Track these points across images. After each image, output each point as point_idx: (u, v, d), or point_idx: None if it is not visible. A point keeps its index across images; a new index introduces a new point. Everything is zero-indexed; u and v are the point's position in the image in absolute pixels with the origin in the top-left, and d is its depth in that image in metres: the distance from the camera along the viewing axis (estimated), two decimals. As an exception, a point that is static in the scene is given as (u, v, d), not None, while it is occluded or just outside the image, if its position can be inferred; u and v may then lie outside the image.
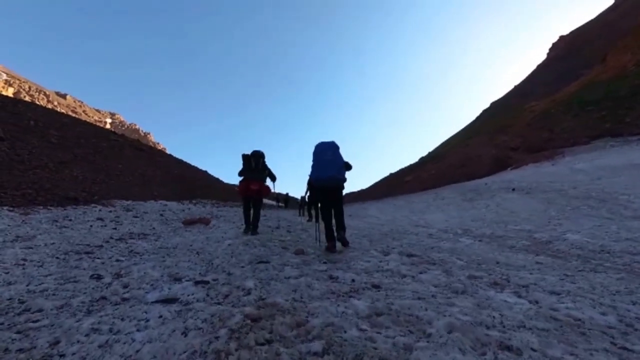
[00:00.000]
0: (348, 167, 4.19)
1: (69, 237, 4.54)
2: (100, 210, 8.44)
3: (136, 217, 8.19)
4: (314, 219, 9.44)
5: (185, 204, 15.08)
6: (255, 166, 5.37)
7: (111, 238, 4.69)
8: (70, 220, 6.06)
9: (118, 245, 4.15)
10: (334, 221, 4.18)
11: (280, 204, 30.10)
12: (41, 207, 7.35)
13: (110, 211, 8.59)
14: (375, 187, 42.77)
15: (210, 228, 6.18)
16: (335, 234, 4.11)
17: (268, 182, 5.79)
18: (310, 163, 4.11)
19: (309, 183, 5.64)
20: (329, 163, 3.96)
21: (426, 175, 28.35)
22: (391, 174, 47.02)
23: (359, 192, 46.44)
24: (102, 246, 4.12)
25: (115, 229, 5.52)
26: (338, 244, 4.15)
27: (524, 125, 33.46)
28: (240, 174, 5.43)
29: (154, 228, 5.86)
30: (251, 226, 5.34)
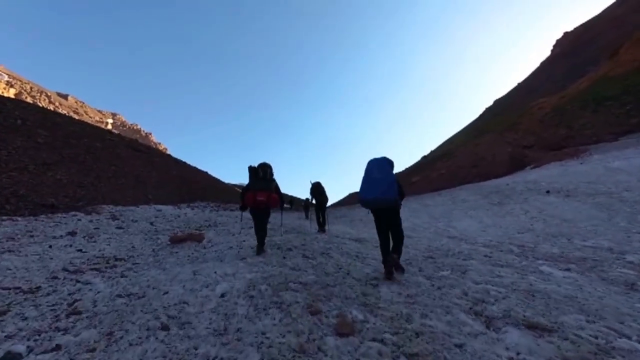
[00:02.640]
0: (400, 190, 3.51)
1: (3, 268, 3.37)
2: (79, 220, 7.26)
3: (120, 228, 7.02)
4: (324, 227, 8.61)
5: (182, 208, 13.92)
6: (262, 175, 4.85)
7: (64, 270, 3.49)
8: (32, 236, 4.89)
9: (61, 289, 2.90)
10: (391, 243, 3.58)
11: (286, 205, 28.98)
12: (5, 217, 6.18)
13: (92, 220, 7.41)
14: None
15: (203, 247, 4.96)
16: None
17: None
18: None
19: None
20: (374, 182, 3.44)
21: (435, 175, 27.09)
22: (396, 174, 45.82)
23: (363, 192, 45.21)
24: (38, 289, 2.90)
25: (81, 250, 4.35)
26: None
27: (535, 122, 32.18)
28: (246, 187, 4.86)
29: (133, 247, 4.69)
30: (262, 246, 4.72)
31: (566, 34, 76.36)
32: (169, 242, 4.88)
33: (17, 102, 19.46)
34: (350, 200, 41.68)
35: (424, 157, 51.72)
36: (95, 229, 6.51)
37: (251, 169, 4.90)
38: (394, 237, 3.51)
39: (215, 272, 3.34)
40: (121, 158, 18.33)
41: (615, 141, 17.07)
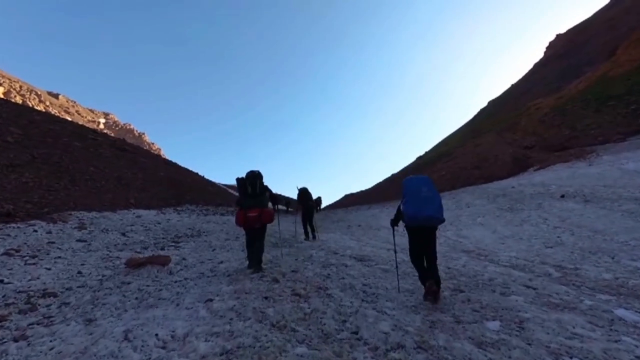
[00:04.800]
0: None
1: None
2: (35, 231, 6.22)
3: (82, 241, 6.00)
4: (310, 237, 8.07)
5: (167, 213, 12.86)
6: (252, 190, 4.48)
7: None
8: (-50, 258, 3.85)
9: None
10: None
11: (290, 209, 27.88)
12: None
13: (50, 232, 6.38)
14: (379, 188, 40.63)
15: (169, 272, 3.87)
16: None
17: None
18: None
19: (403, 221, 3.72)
20: (427, 200, 3.35)
21: (436, 176, 26.26)
22: (394, 175, 45.04)
23: (360, 193, 44.33)
24: None
25: (2, 281, 3.34)
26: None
27: (535, 122, 31.64)
28: (237, 202, 4.60)
29: (79, 274, 3.66)
30: (254, 260, 4.37)
31: (559, 36, 76.54)
32: (125, 266, 3.90)
33: (-9, 98, 18.21)
34: (346, 201, 40.83)
35: (419, 158, 51.07)
36: (49, 243, 5.49)
37: (240, 183, 4.54)
38: (430, 260, 3.35)
39: (156, 335, 2.25)
40: (103, 158, 17.18)
41: (623, 141, 16.39)
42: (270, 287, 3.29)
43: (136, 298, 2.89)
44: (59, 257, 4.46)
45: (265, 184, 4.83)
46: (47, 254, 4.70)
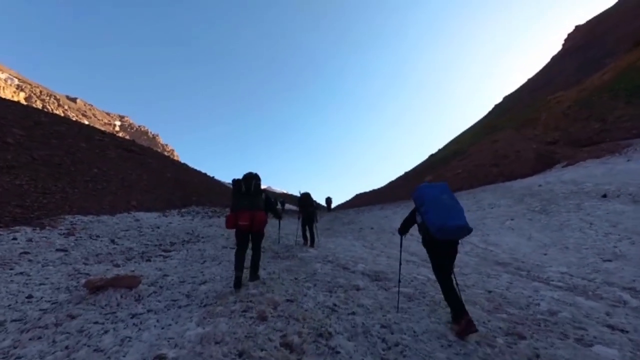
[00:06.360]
0: None
1: None
2: (13, 239, 5.66)
3: (62, 251, 5.39)
4: (309, 242, 7.72)
5: (170, 216, 12.31)
6: (246, 190, 4.13)
7: None
8: None
9: None
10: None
11: (283, 208, 27.06)
12: None
13: (31, 240, 5.80)
14: (391, 187, 39.38)
15: (135, 299, 3.02)
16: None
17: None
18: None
19: (426, 237, 3.09)
20: (453, 209, 2.89)
21: (451, 175, 25.01)
22: (406, 173, 43.73)
23: (371, 193, 43.17)
24: None
25: None
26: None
27: (558, 116, 29.82)
28: (232, 209, 4.17)
29: (28, 298, 2.98)
30: (250, 269, 4.11)
31: (578, 27, 73.24)
32: (84, 288, 3.19)
33: (-2, 100, 18.20)
34: (357, 201, 39.84)
35: (432, 156, 49.54)
36: (22, 254, 4.89)
37: (234, 184, 4.21)
38: (449, 277, 2.89)
39: None
40: (108, 160, 16.85)
41: (663, 134, 14.89)
42: (252, 330, 2.40)
43: (66, 347, 2.12)
44: (21, 273, 3.81)
45: (262, 187, 4.40)
46: (11, 269, 4.07)
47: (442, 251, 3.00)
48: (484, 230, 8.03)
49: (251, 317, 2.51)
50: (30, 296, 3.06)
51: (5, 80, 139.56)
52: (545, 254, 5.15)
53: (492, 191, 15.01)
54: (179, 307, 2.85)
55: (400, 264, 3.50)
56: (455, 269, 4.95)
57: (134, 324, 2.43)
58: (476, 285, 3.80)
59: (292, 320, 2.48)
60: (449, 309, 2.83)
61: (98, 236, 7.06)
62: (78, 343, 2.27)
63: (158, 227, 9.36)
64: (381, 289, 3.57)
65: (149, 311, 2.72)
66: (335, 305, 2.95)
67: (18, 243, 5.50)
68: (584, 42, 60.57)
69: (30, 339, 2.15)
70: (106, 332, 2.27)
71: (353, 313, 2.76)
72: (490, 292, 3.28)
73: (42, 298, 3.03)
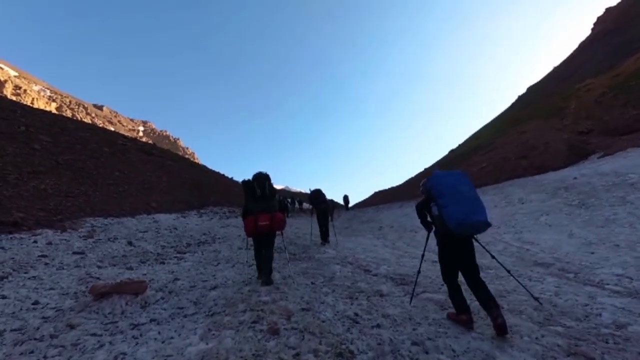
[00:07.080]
0: None
1: None
2: (34, 242, 5.72)
3: (78, 253, 5.37)
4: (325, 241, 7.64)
5: (188, 216, 12.38)
6: (261, 193, 4.06)
7: None
8: None
9: None
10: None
11: (305, 206, 26.93)
12: None
13: (50, 243, 5.84)
14: (410, 184, 38.37)
15: (141, 306, 2.82)
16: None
17: None
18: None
19: (437, 230, 2.81)
20: (473, 201, 2.67)
21: (476, 169, 23.89)
22: (426, 169, 42.51)
23: (390, 190, 42.28)
24: None
25: None
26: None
27: (589, 105, 27.88)
28: (244, 213, 4.15)
29: (35, 303, 2.85)
30: (263, 272, 3.97)
31: (609, 9, 68.46)
32: (88, 295, 3.05)
33: (28, 108, 19.10)
34: (375, 199, 39.11)
35: (452, 151, 47.92)
36: (39, 257, 4.88)
37: (246, 186, 4.13)
38: (475, 275, 2.68)
39: None
40: (129, 163, 17.28)
41: None
42: (260, 347, 2.06)
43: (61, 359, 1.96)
44: (34, 277, 3.75)
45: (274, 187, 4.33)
46: (25, 273, 4.02)
47: (456, 247, 2.80)
48: (516, 227, 7.41)
49: (261, 330, 2.21)
50: (36, 302, 2.94)
51: (39, 92, 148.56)
52: (592, 253, 4.56)
53: (520, 185, 14.11)
54: (185, 316, 2.61)
55: (421, 264, 3.18)
56: (490, 271, 4.48)
57: (133, 336, 2.21)
58: (517, 290, 3.33)
59: (308, 334, 2.14)
60: (489, 320, 2.44)
61: (116, 238, 7.07)
62: (81, 348, 2.08)
63: (176, 228, 9.36)
64: (407, 295, 3.19)
65: (151, 321, 2.51)
66: (356, 315, 2.60)
67: (37, 246, 5.53)
68: (615, 26, 56.58)
69: (21, 353, 1.98)
70: (101, 346, 2.06)
71: (378, 326, 2.39)
72: (535, 298, 2.83)
73: (47, 305, 2.90)
